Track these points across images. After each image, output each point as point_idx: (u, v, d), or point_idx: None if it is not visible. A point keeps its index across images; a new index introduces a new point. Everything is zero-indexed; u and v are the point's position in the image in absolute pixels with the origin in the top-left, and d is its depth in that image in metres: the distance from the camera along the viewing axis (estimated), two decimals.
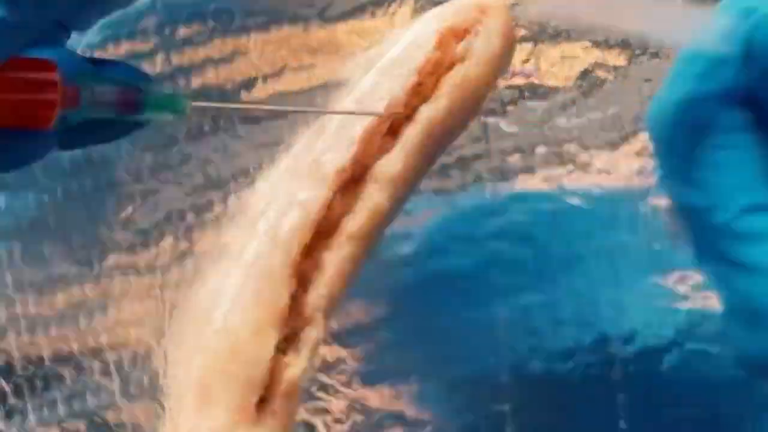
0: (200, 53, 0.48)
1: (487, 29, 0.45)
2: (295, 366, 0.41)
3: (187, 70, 0.48)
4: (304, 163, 0.43)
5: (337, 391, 0.48)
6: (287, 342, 0.41)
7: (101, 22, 0.46)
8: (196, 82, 0.47)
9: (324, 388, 0.48)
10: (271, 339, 0.40)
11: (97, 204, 0.46)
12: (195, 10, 0.48)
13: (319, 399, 0.48)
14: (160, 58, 0.47)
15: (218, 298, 0.42)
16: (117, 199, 0.47)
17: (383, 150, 0.43)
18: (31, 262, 0.46)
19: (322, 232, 0.43)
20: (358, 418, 0.48)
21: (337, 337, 0.48)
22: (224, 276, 0.42)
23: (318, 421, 0.48)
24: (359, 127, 0.43)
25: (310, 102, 0.48)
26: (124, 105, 0.34)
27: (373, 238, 0.43)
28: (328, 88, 0.48)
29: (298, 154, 0.44)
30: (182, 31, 0.48)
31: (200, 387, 0.40)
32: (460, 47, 0.45)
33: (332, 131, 0.43)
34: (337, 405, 0.48)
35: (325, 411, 0.48)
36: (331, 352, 0.48)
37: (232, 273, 0.42)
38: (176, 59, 0.48)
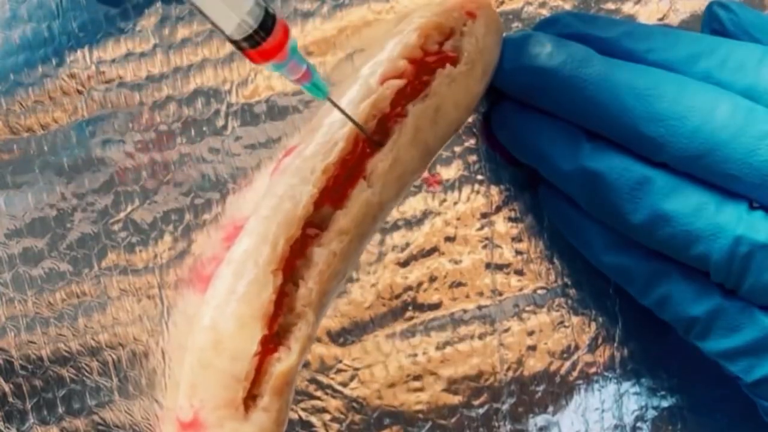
0: (200, 53, 0.48)
1: (475, 28, 0.45)
2: (285, 361, 0.41)
3: (186, 70, 0.48)
4: (295, 161, 0.44)
5: (335, 390, 0.48)
6: (279, 338, 0.42)
7: (100, 21, 0.46)
8: (195, 82, 0.48)
9: (321, 387, 0.48)
10: (255, 333, 0.40)
11: (96, 204, 0.47)
12: (194, 9, 0.48)
13: (316, 398, 0.48)
14: (159, 58, 0.48)
15: (209, 296, 0.42)
16: (116, 198, 0.47)
17: (374, 148, 0.44)
18: (30, 261, 0.46)
19: (315, 229, 0.43)
20: (356, 417, 0.48)
21: (335, 336, 0.48)
22: (217, 275, 0.43)
23: (316, 420, 0.48)
24: (347, 126, 0.43)
25: (307, 102, 0.48)
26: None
27: (364, 234, 0.43)
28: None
29: (291, 153, 0.45)
30: (182, 31, 0.48)
31: (189, 384, 0.40)
32: (447, 46, 0.45)
33: (322, 130, 0.44)
34: (334, 404, 0.48)
35: (323, 410, 0.48)
36: (328, 351, 0.48)
37: (224, 271, 0.42)
38: (176, 59, 0.48)
